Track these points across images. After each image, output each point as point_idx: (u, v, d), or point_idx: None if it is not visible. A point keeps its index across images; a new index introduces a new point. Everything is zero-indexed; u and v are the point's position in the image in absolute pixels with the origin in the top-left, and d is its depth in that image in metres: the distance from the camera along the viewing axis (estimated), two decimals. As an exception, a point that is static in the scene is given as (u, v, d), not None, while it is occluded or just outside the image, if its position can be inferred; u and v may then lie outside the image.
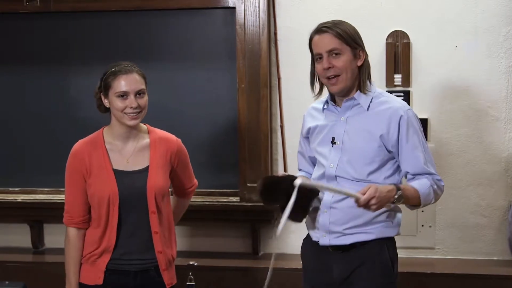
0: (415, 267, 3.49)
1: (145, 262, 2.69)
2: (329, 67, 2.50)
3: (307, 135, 2.70)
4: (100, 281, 2.67)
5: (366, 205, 2.33)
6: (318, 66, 2.54)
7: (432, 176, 2.53)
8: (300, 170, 2.82)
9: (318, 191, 2.51)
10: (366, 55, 2.58)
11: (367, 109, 2.55)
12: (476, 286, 3.41)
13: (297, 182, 2.26)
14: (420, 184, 2.49)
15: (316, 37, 2.53)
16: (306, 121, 2.72)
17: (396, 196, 2.40)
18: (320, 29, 2.53)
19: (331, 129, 2.59)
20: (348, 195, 2.38)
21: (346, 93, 2.56)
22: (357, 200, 2.34)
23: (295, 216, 2.47)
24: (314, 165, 2.72)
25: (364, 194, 2.33)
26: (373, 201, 2.32)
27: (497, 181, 3.57)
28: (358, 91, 2.56)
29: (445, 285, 3.44)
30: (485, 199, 3.60)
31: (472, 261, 3.59)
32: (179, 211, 2.97)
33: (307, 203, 2.50)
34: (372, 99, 2.56)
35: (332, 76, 2.50)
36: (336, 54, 2.50)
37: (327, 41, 2.50)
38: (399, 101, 2.60)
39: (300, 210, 2.48)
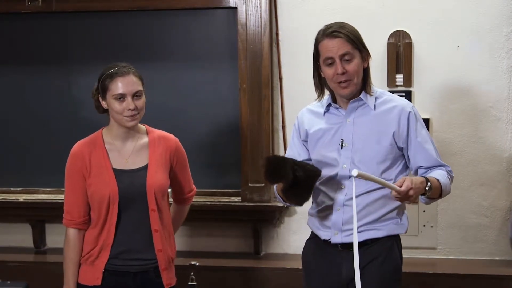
0: (417, 267, 3.49)
1: (145, 262, 2.69)
2: (343, 72, 2.50)
3: (306, 139, 2.68)
4: (98, 282, 2.67)
5: (405, 196, 2.38)
6: (329, 71, 2.52)
7: (445, 167, 2.58)
8: None
9: (320, 173, 2.50)
10: (369, 56, 2.59)
11: (374, 108, 2.57)
12: (478, 286, 3.41)
13: (354, 173, 2.29)
14: (440, 175, 2.52)
15: (327, 41, 2.51)
16: (302, 124, 2.70)
17: (427, 188, 2.44)
18: (332, 33, 2.51)
19: (337, 131, 2.59)
20: (390, 187, 2.41)
21: (352, 97, 2.57)
22: (397, 192, 2.38)
23: (300, 199, 2.52)
24: None
25: (401, 186, 2.37)
26: (411, 192, 2.37)
27: (499, 181, 3.57)
28: (363, 91, 2.57)
29: (447, 285, 3.44)
30: (487, 200, 3.60)
31: (474, 261, 3.60)
32: (178, 219, 2.96)
33: (311, 184, 2.51)
34: (375, 98, 2.59)
35: (344, 81, 2.51)
36: (348, 59, 2.50)
37: (340, 46, 2.49)
38: (401, 99, 2.64)
39: (304, 192, 2.50)
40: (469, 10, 3.50)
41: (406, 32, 3.55)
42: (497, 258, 3.61)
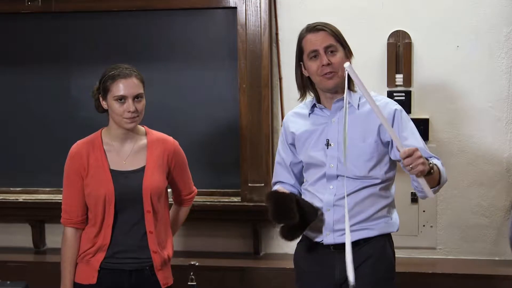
0: (416, 267, 3.50)
1: (140, 261, 2.70)
2: (328, 64, 2.51)
3: (293, 142, 2.69)
4: (93, 280, 2.68)
5: (411, 158, 2.22)
6: (313, 64, 2.54)
7: (436, 157, 2.50)
8: (277, 183, 2.77)
9: (317, 214, 2.52)
10: (352, 55, 2.61)
11: (358, 108, 2.58)
12: (478, 286, 3.41)
13: (347, 64, 2.23)
14: (434, 161, 2.43)
15: (310, 35, 2.56)
16: (288, 128, 2.71)
17: (430, 164, 2.31)
18: (314, 28, 2.56)
19: (322, 132, 2.60)
20: (393, 137, 2.29)
21: (335, 92, 2.57)
22: (404, 150, 2.24)
23: (292, 234, 2.53)
24: (296, 174, 2.72)
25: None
26: (418, 153, 2.23)
27: (499, 181, 3.57)
28: (347, 89, 2.57)
29: (447, 285, 3.44)
30: (486, 200, 3.60)
31: (473, 261, 3.60)
32: (177, 220, 2.96)
33: (307, 222, 2.52)
34: (359, 98, 2.59)
35: (329, 72, 2.51)
36: (332, 51, 2.53)
37: (324, 38, 2.53)
38: (387, 98, 2.66)
39: (298, 228, 2.52)
40: (468, 10, 3.50)
41: (406, 32, 3.55)
42: (496, 258, 3.61)
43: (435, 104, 3.57)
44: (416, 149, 2.26)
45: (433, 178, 2.39)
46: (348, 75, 2.27)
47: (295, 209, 2.45)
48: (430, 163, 2.34)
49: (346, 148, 2.33)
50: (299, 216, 2.47)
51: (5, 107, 4.01)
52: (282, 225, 2.54)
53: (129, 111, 2.62)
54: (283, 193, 2.52)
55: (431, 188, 2.38)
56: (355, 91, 2.59)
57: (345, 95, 2.32)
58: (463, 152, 3.58)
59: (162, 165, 2.74)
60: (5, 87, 4.00)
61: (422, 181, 2.30)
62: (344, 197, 2.52)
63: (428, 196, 2.36)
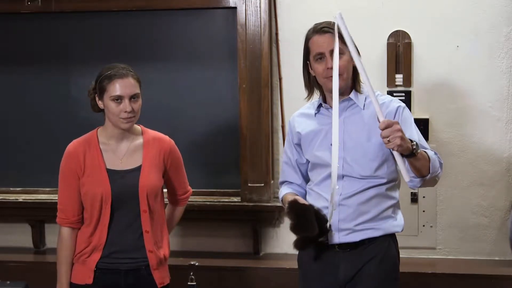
0: (416, 267, 3.49)
1: (136, 261, 2.69)
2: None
3: (299, 142, 2.70)
4: (90, 281, 2.67)
5: (390, 130, 2.26)
6: (319, 66, 2.54)
7: (433, 151, 2.51)
8: (284, 182, 2.78)
9: (330, 227, 2.53)
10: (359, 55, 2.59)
11: (363, 108, 2.58)
12: (478, 286, 3.41)
13: (338, 14, 2.24)
14: (427, 151, 2.45)
15: (317, 37, 2.54)
16: (294, 128, 2.71)
17: (414, 145, 2.32)
18: (321, 29, 2.54)
19: (328, 132, 2.59)
20: (377, 110, 2.32)
21: (341, 93, 2.57)
22: (383, 121, 2.29)
23: (306, 245, 2.54)
24: (303, 174, 2.73)
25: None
26: (398, 126, 2.26)
27: (499, 181, 3.57)
28: (354, 90, 2.59)
29: (447, 285, 3.44)
30: (486, 200, 3.60)
31: (473, 261, 3.60)
32: (172, 219, 2.96)
33: (321, 234, 2.52)
34: (365, 98, 2.59)
35: None
36: (338, 54, 2.51)
37: (330, 41, 2.50)
38: (391, 97, 2.65)
39: (312, 240, 2.51)
40: (468, 10, 3.51)
41: (406, 32, 3.55)
42: (496, 258, 3.61)
43: (435, 104, 3.57)
44: (396, 122, 2.29)
45: (420, 162, 2.37)
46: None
47: (315, 222, 2.45)
48: (414, 143, 2.33)
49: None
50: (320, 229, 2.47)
51: (5, 107, 4.01)
52: (298, 236, 2.53)
53: (125, 111, 2.61)
54: (303, 205, 2.50)
55: (420, 176, 2.40)
56: (361, 93, 2.59)
57: (335, 43, 2.36)
58: (463, 152, 3.58)
59: (158, 164, 2.74)
60: (5, 87, 4.00)
61: (399, 160, 2.30)
62: (349, 197, 2.54)
63: (405, 180, 2.35)
